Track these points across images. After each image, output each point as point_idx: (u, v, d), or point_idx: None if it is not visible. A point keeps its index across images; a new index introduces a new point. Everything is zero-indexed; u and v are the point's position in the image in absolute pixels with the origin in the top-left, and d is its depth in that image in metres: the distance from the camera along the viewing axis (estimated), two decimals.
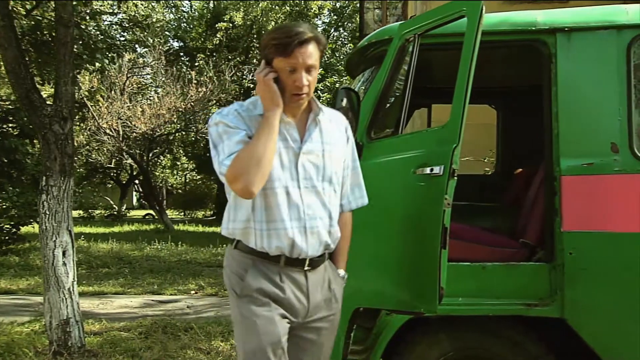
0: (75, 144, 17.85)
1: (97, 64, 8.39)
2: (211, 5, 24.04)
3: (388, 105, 2.91)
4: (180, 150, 23.22)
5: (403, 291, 2.50)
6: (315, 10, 23.29)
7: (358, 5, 13.81)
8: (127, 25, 10.96)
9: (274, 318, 1.90)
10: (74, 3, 6.74)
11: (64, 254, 4.61)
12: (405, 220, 2.52)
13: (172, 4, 23.34)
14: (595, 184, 2.67)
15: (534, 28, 2.77)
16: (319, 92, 15.99)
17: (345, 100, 2.62)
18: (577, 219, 2.67)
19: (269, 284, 1.92)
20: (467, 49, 2.42)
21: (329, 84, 15.69)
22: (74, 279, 4.67)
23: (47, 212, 4.60)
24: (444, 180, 2.36)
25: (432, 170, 2.42)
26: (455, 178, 2.37)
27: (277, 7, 22.43)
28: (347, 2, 23.38)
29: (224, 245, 13.35)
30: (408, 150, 2.60)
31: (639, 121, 2.74)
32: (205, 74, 17.90)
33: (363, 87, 3.10)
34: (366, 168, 2.26)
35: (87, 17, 8.25)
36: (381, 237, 2.58)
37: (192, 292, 7.99)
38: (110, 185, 29.14)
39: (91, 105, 15.98)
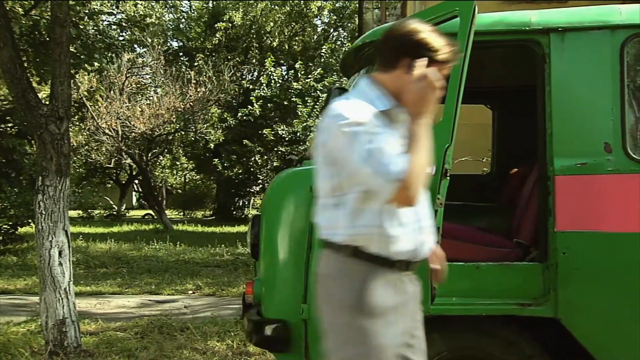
0: (75, 144, 17.90)
1: (95, 64, 8.40)
2: (210, 5, 24.05)
3: None
4: (180, 150, 23.19)
5: None
6: (315, 11, 23.31)
7: (357, 5, 13.81)
8: (125, 25, 10.96)
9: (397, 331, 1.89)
10: (72, 3, 6.76)
11: (60, 254, 4.61)
12: None
13: (171, 4, 23.34)
14: (589, 183, 2.68)
15: (527, 28, 2.78)
16: (318, 92, 15.99)
17: None
18: (570, 219, 2.67)
19: (396, 296, 1.86)
20: (459, 49, 2.42)
21: (327, 84, 15.73)
22: (70, 279, 4.67)
23: (43, 212, 4.60)
24: (437, 180, 2.37)
25: None
26: (448, 178, 2.37)
27: (276, 7, 22.44)
28: (346, 2, 23.38)
29: (222, 245, 13.24)
30: None
31: (632, 121, 2.74)
32: (204, 73, 17.89)
33: None
34: None
35: (86, 17, 8.25)
36: None
37: (190, 292, 7.98)
38: (109, 185, 29.11)
39: (90, 105, 15.98)
